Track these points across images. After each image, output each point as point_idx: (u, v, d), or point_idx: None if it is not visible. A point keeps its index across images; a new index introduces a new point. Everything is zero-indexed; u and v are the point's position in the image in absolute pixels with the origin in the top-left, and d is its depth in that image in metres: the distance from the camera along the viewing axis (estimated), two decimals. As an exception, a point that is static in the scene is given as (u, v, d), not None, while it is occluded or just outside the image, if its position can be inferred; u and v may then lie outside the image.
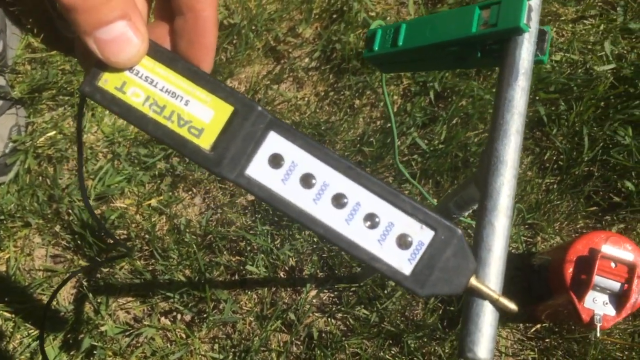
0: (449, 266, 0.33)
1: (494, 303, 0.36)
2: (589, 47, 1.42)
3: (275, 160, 0.34)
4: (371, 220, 0.33)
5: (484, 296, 0.35)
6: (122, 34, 0.32)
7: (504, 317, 1.20)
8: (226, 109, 0.34)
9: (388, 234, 0.33)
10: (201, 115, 0.34)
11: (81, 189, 0.44)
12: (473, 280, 0.34)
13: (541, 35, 0.45)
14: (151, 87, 0.34)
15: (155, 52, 0.34)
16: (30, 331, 1.22)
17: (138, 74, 0.34)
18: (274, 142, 0.34)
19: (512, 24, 0.43)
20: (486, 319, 0.38)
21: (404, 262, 0.33)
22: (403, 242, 0.33)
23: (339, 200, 0.33)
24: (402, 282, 0.33)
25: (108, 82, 0.34)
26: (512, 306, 0.36)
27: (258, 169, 0.34)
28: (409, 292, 0.33)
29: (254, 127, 0.33)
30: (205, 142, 0.34)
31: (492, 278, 0.39)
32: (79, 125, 0.40)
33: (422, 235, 0.33)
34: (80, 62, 0.37)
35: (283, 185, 0.34)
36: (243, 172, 0.33)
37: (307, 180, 0.34)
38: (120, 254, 1.21)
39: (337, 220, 0.33)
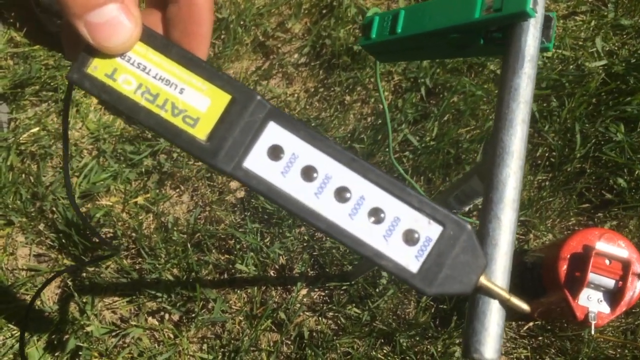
0: (458, 263, 0.31)
1: (505, 303, 0.34)
2: (580, 43, 1.41)
3: (275, 152, 0.32)
4: (376, 215, 0.32)
5: (494, 296, 0.34)
6: (115, 17, 0.30)
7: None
8: (223, 98, 0.32)
9: (394, 229, 0.31)
10: (197, 104, 0.32)
11: (66, 183, 0.42)
12: (483, 279, 0.32)
13: (546, 22, 0.44)
14: (144, 75, 0.32)
15: (148, 37, 0.32)
16: (13, 332, 1.19)
17: (130, 61, 0.32)
18: (273, 132, 0.32)
19: (518, 9, 0.41)
20: (493, 318, 0.36)
21: (410, 259, 0.31)
22: (410, 238, 0.31)
23: (342, 194, 0.32)
24: (408, 280, 0.31)
25: (98, 69, 0.32)
26: (524, 306, 0.34)
27: (257, 161, 0.32)
28: (416, 290, 0.31)
29: (253, 117, 0.32)
30: (201, 132, 0.32)
31: (498, 275, 0.37)
32: (65, 116, 0.38)
33: (429, 230, 0.31)
34: (66, 52, 0.35)
35: (283, 178, 0.32)
36: (241, 164, 0.32)
37: (308, 173, 0.32)
38: (107, 254, 1.18)
39: (340, 215, 0.32)
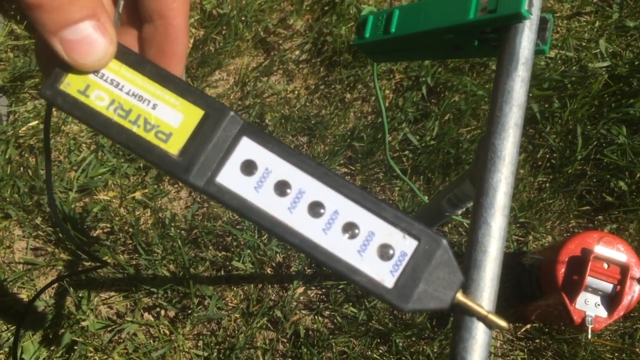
0: (435, 279, 0.30)
1: (483, 320, 0.34)
2: (584, 44, 1.40)
3: (248, 167, 0.32)
4: (350, 230, 0.31)
5: (471, 313, 0.33)
6: (90, 34, 0.30)
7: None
8: (196, 113, 0.32)
9: (368, 244, 0.31)
10: (169, 119, 0.32)
11: (51, 205, 0.42)
12: (460, 296, 0.31)
13: (542, 23, 0.43)
14: (116, 91, 0.32)
15: (122, 54, 0.32)
16: (9, 325, 1.19)
17: (103, 77, 0.32)
18: (246, 148, 0.32)
19: (513, 10, 0.40)
20: (480, 325, 0.35)
21: (385, 275, 0.31)
22: (384, 253, 0.31)
23: (315, 209, 0.31)
24: (384, 297, 0.31)
25: (71, 85, 0.32)
26: (502, 323, 0.33)
27: (230, 177, 0.31)
28: (392, 307, 0.30)
29: (226, 133, 0.31)
30: (173, 148, 0.32)
31: (487, 282, 0.36)
32: (46, 132, 0.37)
33: (404, 245, 0.31)
34: (40, 66, 0.35)
35: (256, 193, 0.31)
36: (213, 179, 0.31)
37: (281, 188, 0.31)
38: (96, 266, 1.18)
39: (313, 230, 0.31)
